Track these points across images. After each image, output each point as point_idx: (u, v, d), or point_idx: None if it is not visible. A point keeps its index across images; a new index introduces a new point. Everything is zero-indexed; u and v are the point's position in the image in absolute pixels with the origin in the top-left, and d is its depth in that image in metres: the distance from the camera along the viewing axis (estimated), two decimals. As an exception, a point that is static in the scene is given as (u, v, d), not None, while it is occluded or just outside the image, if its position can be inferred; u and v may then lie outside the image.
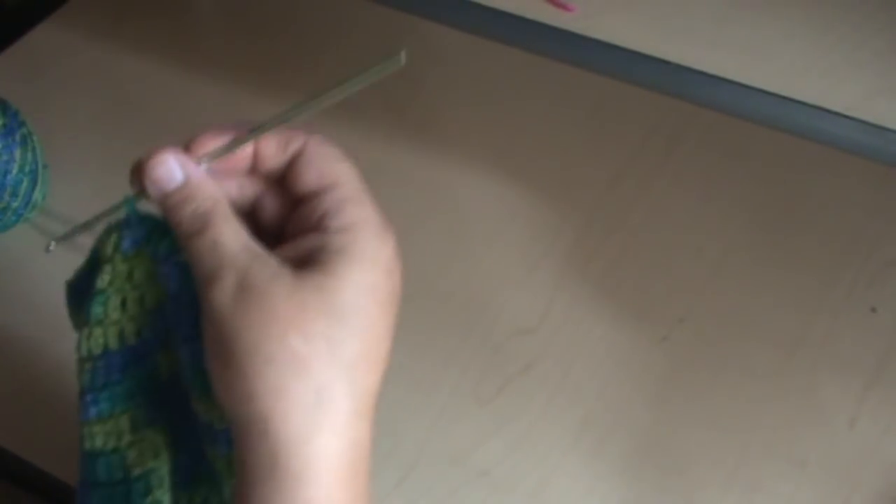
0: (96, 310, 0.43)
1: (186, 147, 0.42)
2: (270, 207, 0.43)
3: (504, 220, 0.84)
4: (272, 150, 0.42)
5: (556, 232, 0.83)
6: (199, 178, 0.41)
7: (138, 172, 0.41)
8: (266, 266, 0.38)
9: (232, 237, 0.39)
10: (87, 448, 0.45)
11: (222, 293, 0.37)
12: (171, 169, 0.40)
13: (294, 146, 0.42)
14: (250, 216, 0.43)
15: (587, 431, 0.72)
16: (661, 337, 0.77)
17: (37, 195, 0.81)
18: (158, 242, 0.42)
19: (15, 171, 0.78)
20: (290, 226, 0.42)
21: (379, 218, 0.41)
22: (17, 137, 0.79)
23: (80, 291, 0.45)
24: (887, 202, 0.84)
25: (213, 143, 0.42)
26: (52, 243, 0.46)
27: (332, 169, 0.41)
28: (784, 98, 0.59)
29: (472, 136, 0.92)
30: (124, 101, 0.95)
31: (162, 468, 0.45)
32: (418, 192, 0.87)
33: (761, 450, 0.70)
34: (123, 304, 0.43)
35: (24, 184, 0.79)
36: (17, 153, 0.78)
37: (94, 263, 0.44)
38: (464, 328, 0.77)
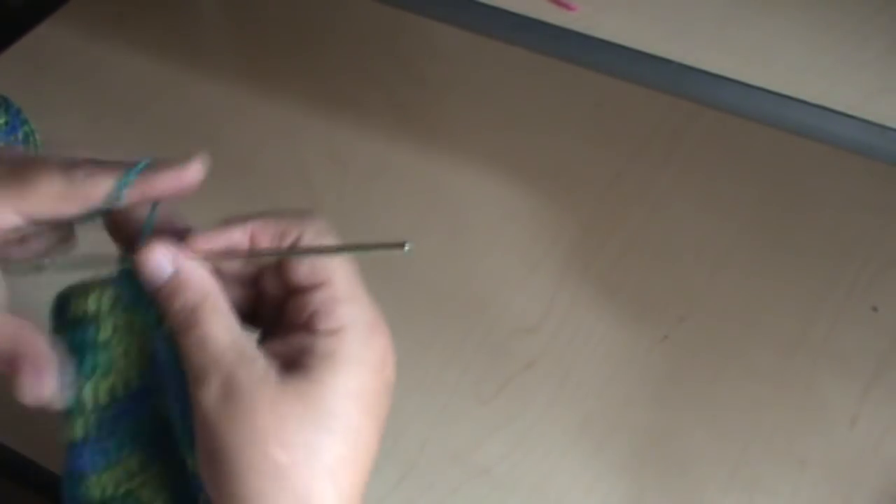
0: (99, 361, 0.43)
1: (182, 238, 0.41)
2: (270, 287, 0.43)
3: (505, 220, 0.84)
4: (267, 241, 0.42)
5: (558, 231, 0.83)
6: (189, 272, 0.40)
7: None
8: (252, 369, 0.38)
9: (220, 334, 0.39)
10: (96, 498, 0.44)
11: (208, 395, 0.38)
12: (160, 263, 0.41)
13: (289, 239, 0.41)
14: (250, 292, 0.43)
15: (588, 430, 0.72)
16: (662, 336, 0.77)
17: (38, 194, 0.81)
18: (149, 309, 0.42)
19: (16, 169, 0.78)
20: (286, 310, 0.42)
21: (369, 316, 0.40)
22: (20, 136, 0.79)
23: (64, 325, 0.44)
24: (888, 201, 0.85)
25: (208, 242, 0.42)
26: (45, 261, 0.46)
27: (325, 265, 0.41)
28: (785, 97, 0.59)
29: (473, 135, 0.92)
30: (125, 99, 0.95)
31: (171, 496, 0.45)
32: (419, 191, 0.87)
33: (762, 449, 0.70)
34: (126, 353, 0.43)
35: (26, 182, 0.79)
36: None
37: (77, 320, 0.43)
38: (465, 327, 0.77)
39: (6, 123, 0.79)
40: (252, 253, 0.42)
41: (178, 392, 0.41)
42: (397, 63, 0.98)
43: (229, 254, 0.41)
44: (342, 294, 0.40)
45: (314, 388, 0.38)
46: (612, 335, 0.77)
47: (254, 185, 0.86)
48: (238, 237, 0.41)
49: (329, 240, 0.42)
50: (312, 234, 0.41)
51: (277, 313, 0.42)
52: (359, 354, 0.39)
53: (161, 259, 0.40)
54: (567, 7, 0.64)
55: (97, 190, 0.41)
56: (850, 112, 0.58)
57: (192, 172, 0.43)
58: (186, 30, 1.03)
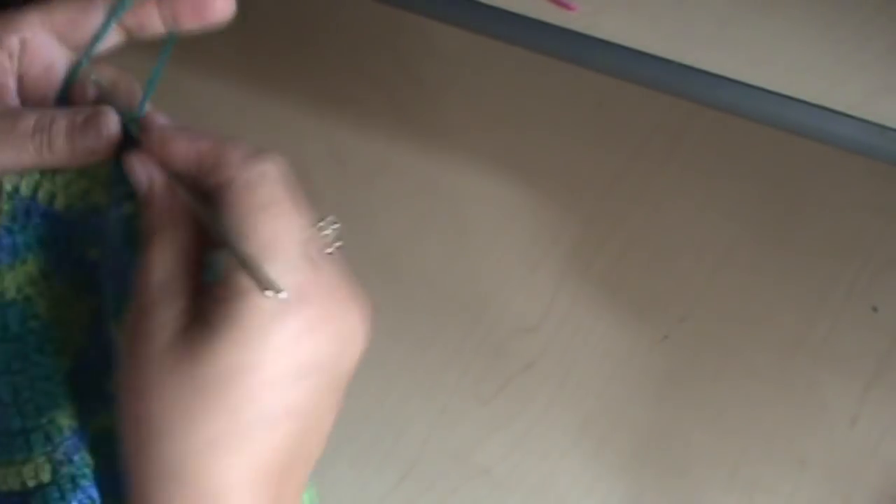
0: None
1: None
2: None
3: (505, 220, 0.84)
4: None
5: (558, 231, 0.83)
6: (159, 196, 0.39)
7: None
8: (161, 314, 0.36)
9: (159, 268, 0.37)
10: None
11: (123, 327, 0.37)
12: (137, 175, 0.39)
13: (220, 175, 0.37)
14: None
15: (588, 430, 0.72)
16: (662, 336, 0.77)
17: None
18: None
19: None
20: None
21: (297, 277, 0.36)
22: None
23: None
24: (888, 201, 0.84)
25: (164, 147, 0.39)
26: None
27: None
28: (785, 97, 0.59)
29: (473, 135, 0.92)
30: (125, 100, 0.95)
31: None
32: (419, 191, 0.87)
33: (762, 449, 0.70)
34: (75, 180, 0.42)
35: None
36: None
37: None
38: (465, 327, 0.77)
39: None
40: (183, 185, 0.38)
41: (119, 267, 0.40)
42: (397, 63, 0.98)
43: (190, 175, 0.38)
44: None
45: (203, 350, 0.35)
46: (612, 335, 0.77)
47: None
48: (199, 150, 0.39)
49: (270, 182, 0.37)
50: (258, 178, 0.37)
51: None
52: (262, 326, 0.35)
53: (139, 171, 0.39)
54: (567, 7, 0.64)
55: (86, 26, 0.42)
56: (850, 112, 0.58)
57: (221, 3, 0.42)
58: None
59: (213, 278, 0.37)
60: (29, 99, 0.43)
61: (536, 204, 0.86)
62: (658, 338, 0.77)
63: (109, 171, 0.42)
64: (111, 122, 0.41)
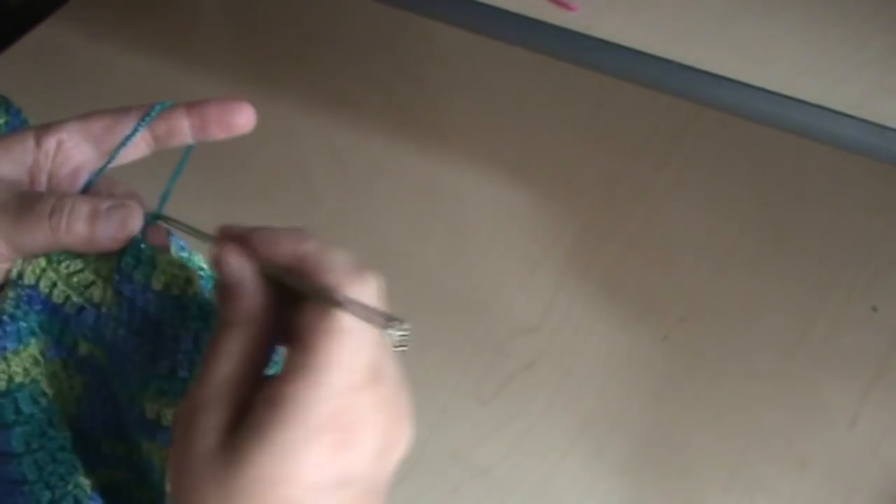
0: (64, 257, 0.44)
1: (246, 240, 0.39)
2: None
3: (505, 220, 0.84)
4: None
5: (558, 231, 0.83)
6: (248, 290, 0.39)
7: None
8: (211, 416, 0.37)
9: (226, 365, 0.38)
10: (0, 387, 0.44)
11: (179, 413, 0.38)
12: (228, 270, 0.39)
13: (328, 277, 0.37)
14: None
15: (588, 431, 0.72)
16: (662, 336, 0.77)
17: (38, 194, 0.81)
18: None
19: (16, 169, 0.78)
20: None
21: (327, 412, 0.36)
22: (19, 136, 0.79)
23: None
24: (888, 201, 0.85)
25: (262, 245, 0.39)
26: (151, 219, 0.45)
27: (313, 330, 0.36)
28: (786, 97, 0.59)
29: (473, 135, 0.92)
30: (127, 98, 0.94)
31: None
32: (419, 191, 0.87)
33: (762, 449, 0.70)
34: (79, 278, 0.44)
35: (26, 182, 0.79)
36: (19, 151, 0.78)
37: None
38: (465, 327, 0.77)
39: (6, 123, 0.79)
40: (297, 283, 0.38)
41: (143, 347, 0.42)
42: (397, 63, 0.98)
43: (285, 271, 0.38)
44: (311, 374, 0.35)
45: (234, 463, 0.35)
46: (612, 335, 0.77)
47: (254, 185, 0.86)
48: (285, 249, 0.38)
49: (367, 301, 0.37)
50: (349, 289, 0.37)
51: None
52: (294, 445, 0.35)
53: (231, 264, 0.39)
54: (567, 7, 0.64)
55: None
56: (850, 112, 0.58)
57: (246, 113, 0.44)
58: (186, 30, 1.03)
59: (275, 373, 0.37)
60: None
61: (536, 204, 0.86)
62: (658, 338, 0.77)
63: (113, 268, 0.43)
64: (136, 217, 0.43)
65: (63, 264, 0.44)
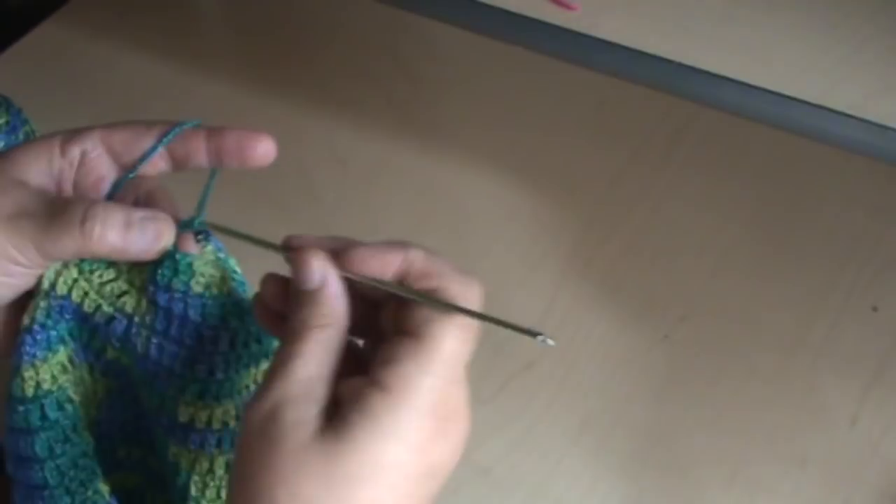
0: (96, 266, 0.45)
1: (337, 253, 0.41)
2: (382, 317, 0.43)
3: (505, 219, 0.84)
4: (411, 276, 0.41)
5: (558, 230, 0.83)
6: (332, 294, 0.41)
7: (290, 252, 0.42)
8: (301, 410, 0.38)
9: (308, 365, 0.39)
10: (30, 393, 0.45)
11: (257, 409, 0.38)
12: (313, 271, 0.41)
13: (431, 283, 0.40)
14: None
15: (588, 430, 0.72)
16: (662, 336, 0.77)
17: (38, 194, 0.81)
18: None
19: (16, 169, 0.78)
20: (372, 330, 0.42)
21: (437, 398, 0.39)
22: (21, 135, 0.79)
23: None
24: (889, 201, 0.85)
25: (363, 263, 0.41)
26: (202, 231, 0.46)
27: (432, 325, 0.39)
28: (786, 97, 0.59)
29: (473, 135, 0.92)
30: (127, 99, 0.95)
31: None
32: (419, 190, 0.87)
33: (762, 449, 0.70)
34: (128, 283, 0.45)
35: (26, 182, 0.79)
36: (19, 151, 0.78)
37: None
38: (465, 327, 0.77)
39: (7, 123, 0.79)
40: (397, 287, 0.40)
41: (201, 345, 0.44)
42: (397, 63, 0.98)
43: (375, 279, 0.41)
44: (423, 358, 0.38)
45: (340, 447, 0.37)
46: (612, 335, 0.77)
47: (254, 185, 0.86)
48: (391, 262, 0.41)
49: (471, 305, 0.40)
50: (457, 290, 0.40)
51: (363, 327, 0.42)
52: (402, 428, 0.38)
53: (316, 269, 0.41)
54: (567, 7, 0.64)
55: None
56: (850, 112, 0.58)
57: (264, 145, 0.45)
58: (186, 30, 1.03)
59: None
60: None
61: (537, 203, 0.86)
62: (658, 338, 0.77)
63: (146, 277, 0.44)
64: (169, 230, 0.44)
65: (96, 273, 0.45)
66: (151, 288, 0.44)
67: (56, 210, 0.43)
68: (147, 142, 0.46)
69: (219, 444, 0.45)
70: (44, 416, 0.45)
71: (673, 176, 0.87)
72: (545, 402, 0.73)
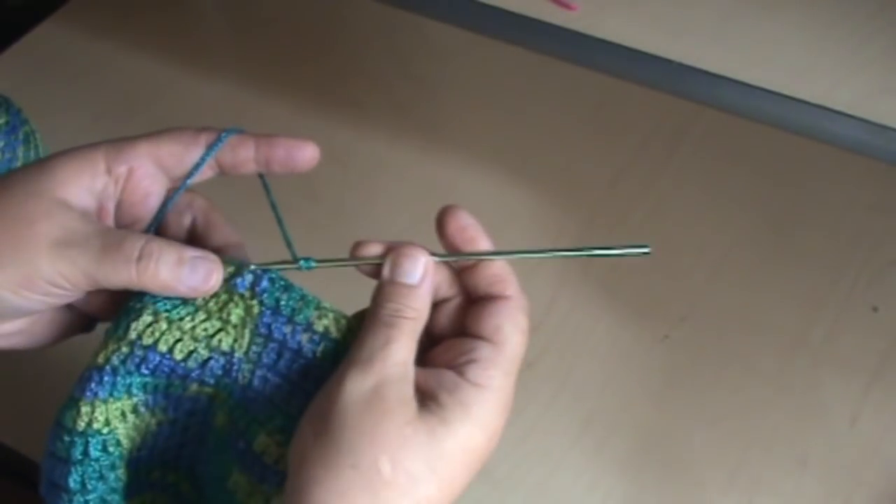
0: (185, 312, 0.44)
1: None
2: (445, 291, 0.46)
3: (506, 219, 0.84)
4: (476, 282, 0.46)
5: (559, 230, 0.83)
6: (427, 291, 0.45)
7: (386, 250, 0.46)
8: (402, 390, 0.41)
9: (404, 349, 0.42)
10: (81, 426, 0.44)
11: (359, 385, 0.41)
12: (416, 267, 0.45)
13: (494, 290, 0.46)
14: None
15: (589, 429, 0.72)
16: (663, 335, 0.77)
17: (38, 193, 0.81)
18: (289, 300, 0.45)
19: (17, 169, 0.78)
20: (446, 329, 0.46)
21: (508, 394, 0.44)
22: (20, 135, 0.79)
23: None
24: (889, 201, 0.85)
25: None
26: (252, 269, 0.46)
27: (505, 331, 0.44)
28: (786, 97, 0.59)
29: (473, 135, 0.92)
30: (127, 98, 0.95)
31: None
32: (419, 190, 0.87)
33: (763, 448, 0.70)
34: (212, 329, 0.44)
35: (26, 182, 0.79)
36: (20, 151, 0.78)
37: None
38: (465, 327, 0.77)
39: (7, 123, 0.79)
40: (479, 253, 0.47)
41: (290, 374, 0.44)
42: (397, 63, 0.99)
43: (460, 254, 0.47)
44: (503, 362, 0.43)
45: (441, 429, 0.41)
46: (612, 335, 0.77)
47: (253, 185, 0.86)
48: (500, 270, 0.47)
49: (521, 312, 0.46)
50: (516, 301, 0.46)
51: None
52: (486, 418, 0.42)
53: (422, 266, 0.45)
54: (567, 7, 0.64)
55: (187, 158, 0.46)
56: (850, 112, 0.58)
57: (310, 150, 0.47)
58: (187, 30, 1.03)
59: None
60: (122, 222, 0.46)
61: (538, 202, 0.86)
62: (658, 338, 0.77)
63: (243, 315, 0.44)
64: (219, 271, 0.44)
65: (186, 319, 0.44)
66: (268, 318, 0.44)
67: (110, 243, 0.42)
68: (195, 152, 0.46)
69: (279, 484, 0.44)
70: (86, 453, 0.44)
71: (673, 176, 0.87)
72: (546, 400, 0.73)
